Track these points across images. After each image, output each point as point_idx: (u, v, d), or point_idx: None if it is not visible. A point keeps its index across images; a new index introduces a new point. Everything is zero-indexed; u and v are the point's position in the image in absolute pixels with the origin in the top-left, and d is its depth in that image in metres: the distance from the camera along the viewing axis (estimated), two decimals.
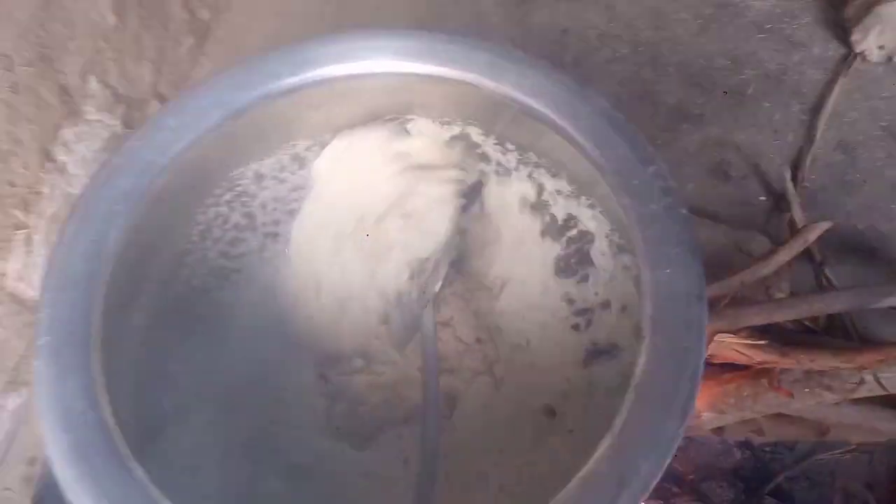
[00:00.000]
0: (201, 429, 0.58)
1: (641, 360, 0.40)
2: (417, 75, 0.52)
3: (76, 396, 0.43)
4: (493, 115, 0.58)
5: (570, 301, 0.64)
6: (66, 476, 0.40)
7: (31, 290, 0.89)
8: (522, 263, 0.67)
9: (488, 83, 0.50)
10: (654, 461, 0.37)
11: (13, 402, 0.90)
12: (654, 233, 0.42)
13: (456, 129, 0.62)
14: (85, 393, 0.43)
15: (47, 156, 0.88)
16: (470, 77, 0.51)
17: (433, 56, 0.51)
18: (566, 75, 0.49)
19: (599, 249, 0.61)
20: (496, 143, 0.61)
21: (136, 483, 0.40)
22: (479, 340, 0.66)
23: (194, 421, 0.57)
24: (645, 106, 1.01)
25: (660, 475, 0.37)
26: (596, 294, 0.61)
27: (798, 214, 0.88)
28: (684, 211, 0.43)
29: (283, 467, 0.58)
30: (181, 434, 0.55)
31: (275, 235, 0.68)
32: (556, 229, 0.64)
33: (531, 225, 0.66)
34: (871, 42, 1.02)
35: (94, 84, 0.95)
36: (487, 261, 0.68)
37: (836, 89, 1.00)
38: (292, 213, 0.68)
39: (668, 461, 0.37)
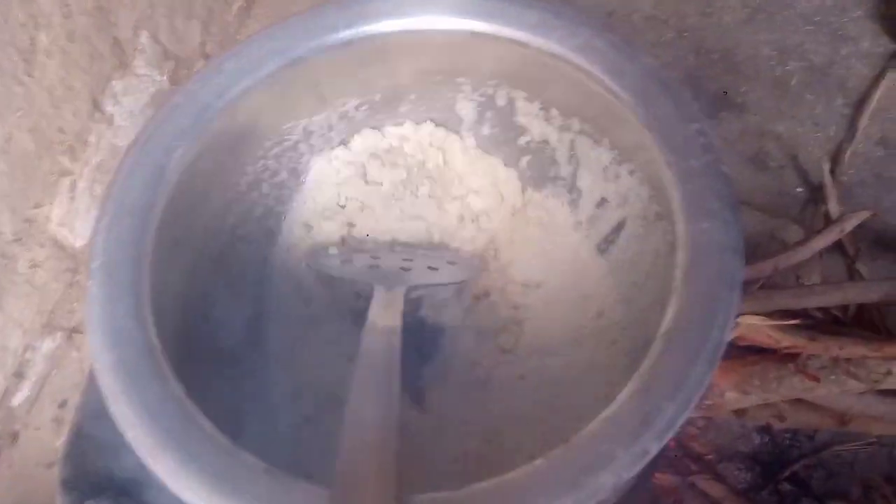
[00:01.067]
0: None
1: (672, 309, 0.40)
2: (470, 32, 0.53)
3: (125, 317, 0.44)
4: (540, 77, 0.58)
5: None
6: (111, 389, 0.42)
7: (72, 236, 0.91)
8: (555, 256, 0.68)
9: (538, 40, 0.51)
10: (679, 403, 0.37)
11: (48, 345, 0.93)
12: (694, 187, 0.43)
13: (502, 94, 0.63)
14: (134, 314, 0.44)
15: (96, 106, 0.91)
16: (520, 35, 0.52)
17: (485, 13, 0.52)
18: (615, 35, 0.49)
19: (632, 231, 0.62)
20: (541, 108, 0.62)
21: (175, 399, 0.42)
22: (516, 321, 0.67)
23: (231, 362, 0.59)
24: (687, 92, 1.01)
25: (685, 417, 0.37)
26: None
27: (834, 207, 0.87)
28: (725, 168, 0.44)
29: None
30: (217, 373, 0.57)
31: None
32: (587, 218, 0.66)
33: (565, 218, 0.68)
34: None
35: (145, 39, 0.97)
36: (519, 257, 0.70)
37: (882, 85, 0.99)
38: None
39: (693, 404, 0.38)
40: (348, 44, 0.55)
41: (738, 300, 0.40)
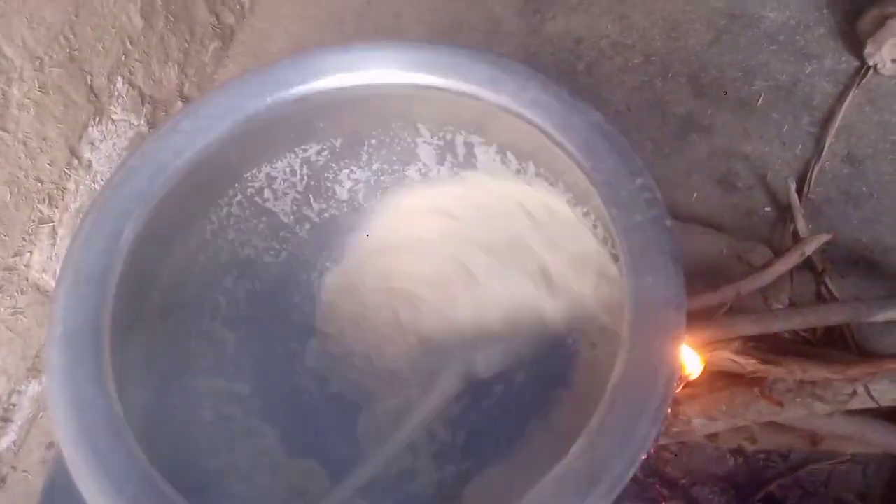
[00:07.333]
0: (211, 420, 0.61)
1: (620, 364, 0.42)
2: (420, 86, 0.54)
3: (86, 384, 0.45)
4: (494, 126, 0.60)
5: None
6: (73, 458, 0.43)
7: (53, 281, 0.92)
8: None
9: (488, 95, 0.53)
10: (626, 460, 0.39)
11: (33, 388, 0.94)
12: (638, 242, 0.44)
13: (460, 139, 0.64)
14: (95, 381, 0.46)
15: (73, 153, 0.92)
16: (471, 89, 0.53)
17: (436, 68, 0.54)
18: (562, 88, 0.51)
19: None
20: (497, 153, 0.64)
21: (138, 467, 0.43)
22: None
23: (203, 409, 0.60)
24: (654, 115, 1.03)
25: (631, 473, 0.39)
26: None
27: (801, 226, 0.89)
28: (668, 222, 0.45)
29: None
30: (185, 416, 0.58)
31: (284, 238, 0.71)
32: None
33: None
34: (884, 55, 1.02)
35: (120, 85, 0.98)
36: None
37: (847, 102, 1.01)
38: (298, 218, 0.71)
39: (639, 461, 0.39)
40: (303, 98, 0.56)
41: (680, 354, 0.41)
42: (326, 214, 0.71)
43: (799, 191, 0.94)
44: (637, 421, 0.40)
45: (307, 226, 0.72)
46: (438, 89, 0.55)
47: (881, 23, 1.03)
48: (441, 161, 0.67)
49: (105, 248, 0.49)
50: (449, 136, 0.64)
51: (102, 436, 0.43)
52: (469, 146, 0.64)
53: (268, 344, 0.70)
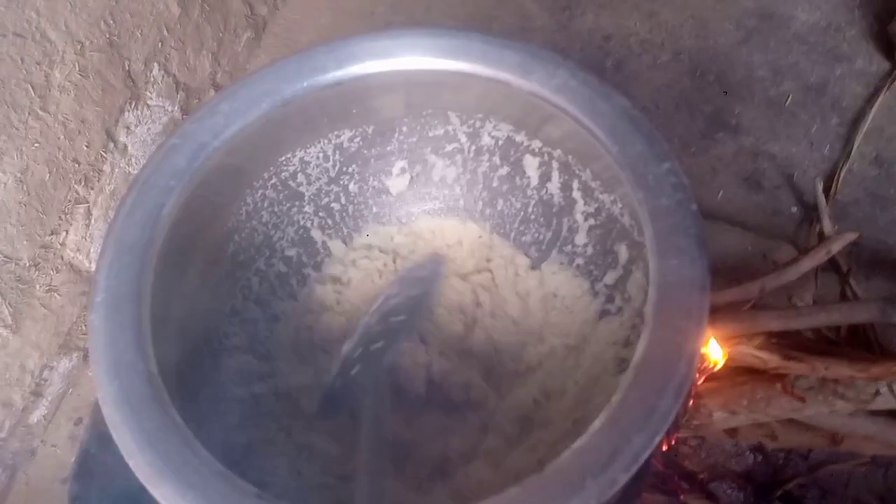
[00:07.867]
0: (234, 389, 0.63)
1: (643, 343, 0.42)
2: (451, 72, 0.56)
3: (126, 348, 0.47)
4: (524, 112, 0.61)
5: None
6: (113, 418, 0.45)
7: (87, 261, 0.95)
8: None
9: (518, 81, 0.53)
10: (646, 435, 0.39)
11: (64, 365, 0.97)
12: (664, 225, 0.45)
13: (490, 126, 0.65)
14: (134, 346, 0.47)
15: (110, 136, 0.94)
16: (501, 75, 0.54)
17: (466, 55, 0.55)
18: (591, 75, 0.51)
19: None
20: (527, 138, 0.65)
21: (174, 427, 0.44)
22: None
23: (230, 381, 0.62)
24: (682, 113, 1.03)
25: (652, 448, 0.39)
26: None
27: (827, 226, 0.88)
28: (694, 206, 0.45)
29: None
30: (216, 391, 0.59)
31: (314, 222, 0.72)
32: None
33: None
34: None
35: (156, 71, 1.01)
36: None
37: (877, 104, 1.00)
38: (330, 203, 0.72)
39: (660, 436, 0.39)
40: (337, 84, 0.57)
41: (704, 335, 0.42)
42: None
43: (826, 191, 0.94)
44: (658, 398, 0.40)
45: None
46: (468, 75, 0.56)
47: None
48: (472, 144, 0.68)
49: (147, 220, 0.51)
50: (478, 124, 0.65)
51: (141, 397, 0.45)
52: (499, 132, 0.65)
53: (297, 326, 0.71)
